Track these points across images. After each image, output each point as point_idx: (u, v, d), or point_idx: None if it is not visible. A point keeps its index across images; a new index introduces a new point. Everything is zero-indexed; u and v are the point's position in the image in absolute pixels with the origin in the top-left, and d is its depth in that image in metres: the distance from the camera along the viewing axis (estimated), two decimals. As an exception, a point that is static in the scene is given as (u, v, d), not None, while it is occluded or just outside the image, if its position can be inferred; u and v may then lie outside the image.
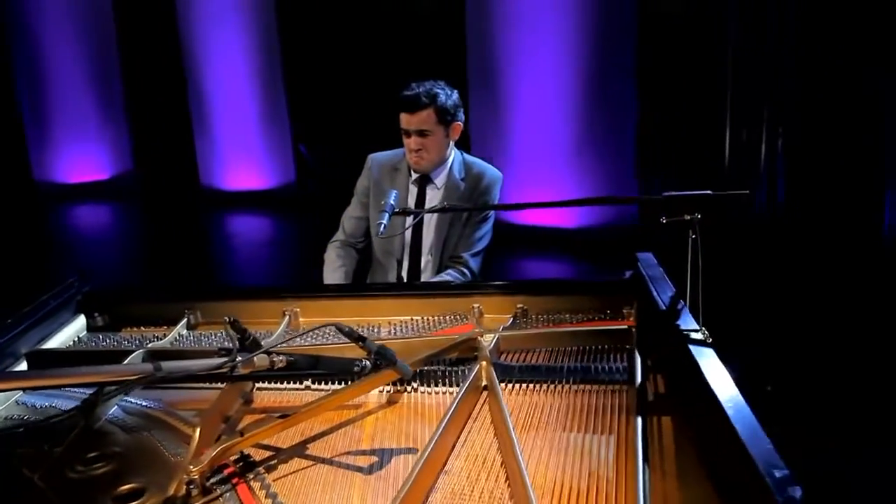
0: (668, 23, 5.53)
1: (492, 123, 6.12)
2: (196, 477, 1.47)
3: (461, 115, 2.83)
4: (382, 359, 1.48)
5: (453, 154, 2.92)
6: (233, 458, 1.59)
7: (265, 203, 7.99)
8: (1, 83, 8.49)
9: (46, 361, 2.04)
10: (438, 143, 2.81)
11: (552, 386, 1.85)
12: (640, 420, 1.57)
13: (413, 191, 2.90)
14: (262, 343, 1.46)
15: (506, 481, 1.48)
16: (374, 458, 1.61)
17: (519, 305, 2.24)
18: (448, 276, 2.82)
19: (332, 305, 2.31)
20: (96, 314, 2.30)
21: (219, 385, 1.88)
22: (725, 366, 1.52)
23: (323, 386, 1.93)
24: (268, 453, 1.64)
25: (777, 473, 1.20)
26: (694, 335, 1.70)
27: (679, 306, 1.85)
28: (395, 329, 2.19)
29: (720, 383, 1.46)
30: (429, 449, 1.49)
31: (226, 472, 1.55)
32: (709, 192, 1.99)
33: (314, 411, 1.71)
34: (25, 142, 8.66)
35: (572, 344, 2.03)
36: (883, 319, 4.02)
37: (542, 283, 2.34)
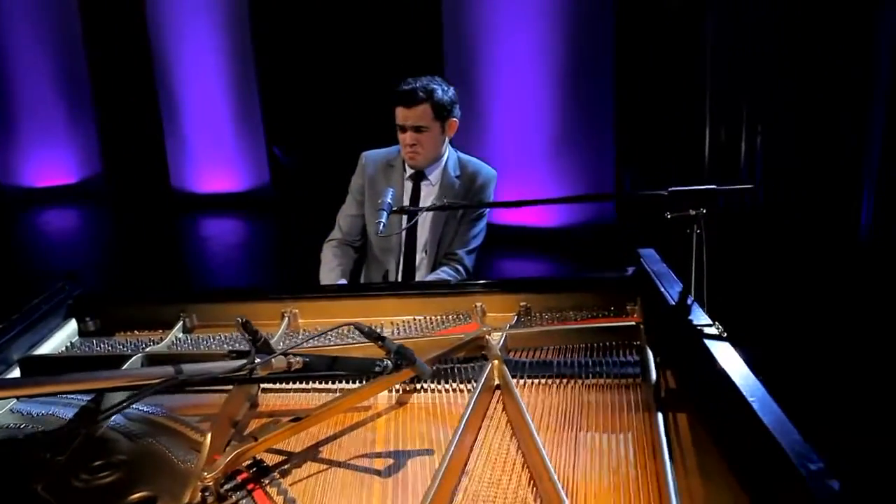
0: (647, 21, 5.56)
1: (469, 123, 6.07)
2: (211, 483, 1.42)
3: (457, 112, 2.81)
4: (402, 358, 1.45)
5: (448, 152, 2.90)
6: (245, 463, 1.54)
7: (239, 205, 7.88)
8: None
9: (41, 368, 1.97)
10: (434, 139, 2.78)
11: (564, 383, 1.84)
12: (660, 416, 1.55)
13: (408, 188, 2.87)
14: (276, 344, 1.42)
15: (529, 482, 1.46)
16: (391, 461, 1.58)
17: (522, 303, 2.22)
18: (443, 273, 2.80)
19: (332, 306, 2.26)
20: (88, 318, 2.23)
21: (219, 388, 1.84)
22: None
23: (328, 385, 1.89)
24: (280, 457, 1.60)
25: (812, 466, 1.19)
26: (708, 330, 1.70)
27: (689, 301, 1.84)
28: (398, 329, 2.15)
29: (742, 377, 1.46)
30: (450, 451, 1.46)
31: (239, 478, 1.51)
32: (714, 186, 2.00)
33: (328, 413, 1.67)
34: (-10, 145, 8.46)
35: (580, 341, 2.01)
36: (861, 316, 4.07)
37: (544, 280, 2.32)
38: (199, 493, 1.41)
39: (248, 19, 7.47)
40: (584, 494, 1.42)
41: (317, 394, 1.88)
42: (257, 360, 1.31)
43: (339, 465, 1.57)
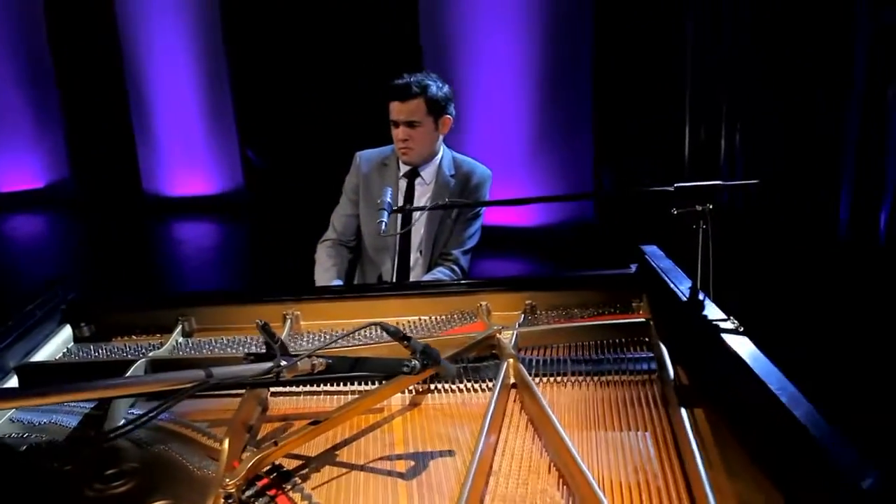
0: (626, 21, 5.59)
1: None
2: (233, 490, 1.38)
3: (452, 109, 2.79)
4: (428, 358, 1.42)
5: (443, 151, 2.88)
6: (265, 468, 1.50)
7: (213, 208, 7.78)
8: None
9: (39, 375, 1.91)
10: (427, 135, 2.75)
11: (577, 381, 1.83)
12: (684, 412, 1.55)
13: (402, 186, 2.84)
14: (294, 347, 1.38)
15: (559, 480, 1.44)
16: (412, 462, 1.55)
17: (527, 301, 2.21)
18: (440, 274, 2.78)
19: (334, 307, 2.23)
20: (83, 324, 2.17)
21: (225, 393, 1.81)
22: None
23: (339, 388, 1.86)
24: (298, 461, 1.56)
25: (848, 458, 1.19)
26: (724, 325, 1.71)
27: (701, 297, 1.84)
28: (403, 330, 2.12)
29: (766, 372, 1.46)
30: (478, 451, 1.44)
31: (260, 483, 1.47)
32: (719, 182, 2.00)
33: (347, 415, 1.64)
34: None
35: (589, 339, 2.01)
36: (840, 313, 4.11)
37: (549, 278, 2.31)
38: (223, 501, 1.37)
39: (220, 19, 7.37)
40: (612, 493, 1.41)
41: (327, 396, 1.85)
42: (283, 363, 1.27)
43: (359, 467, 1.54)
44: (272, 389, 1.84)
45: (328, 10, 6.94)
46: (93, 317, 2.18)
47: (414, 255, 2.84)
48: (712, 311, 1.78)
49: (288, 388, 1.86)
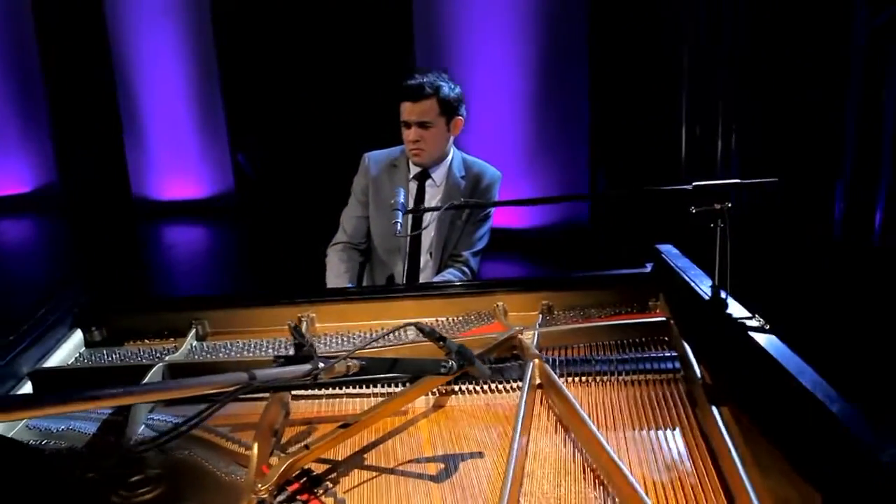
0: (622, 21, 5.59)
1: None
2: (266, 496, 1.36)
3: (463, 111, 2.78)
4: (463, 358, 1.41)
5: (453, 152, 2.86)
6: (294, 473, 1.48)
7: (203, 212, 7.71)
8: None
9: (54, 382, 1.87)
10: (439, 136, 2.74)
11: (601, 381, 1.82)
12: (715, 411, 1.54)
13: (412, 188, 2.83)
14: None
15: (595, 480, 1.43)
16: (442, 465, 1.53)
17: (543, 302, 2.20)
18: (450, 275, 2.76)
19: (349, 309, 2.21)
20: (94, 328, 2.13)
21: (243, 397, 1.77)
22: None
23: (361, 390, 1.84)
24: (326, 465, 1.54)
25: (890, 455, 1.19)
26: (750, 322, 1.70)
27: (723, 295, 1.84)
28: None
29: (799, 370, 1.46)
30: (514, 454, 1.43)
31: (290, 488, 1.45)
32: (738, 181, 2.01)
33: (376, 416, 1.62)
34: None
35: (610, 338, 2.00)
36: (835, 313, 4.13)
37: (564, 278, 2.29)
38: (256, 506, 1.35)
39: (210, 22, 7.31)
40: (648, 491, 1.39)
41: (349, 399, 1.83)
42: (321, 365, 1.25)
43: (389, 470, 1.52)
44: (293, 392, 1.82)
45: (320, 13, 6.90)
46: (104, 321, 2.15)
47: (424, 257, 2.82)
48: (737, 310, 1.78)
49: (309, 392, 1.84)
